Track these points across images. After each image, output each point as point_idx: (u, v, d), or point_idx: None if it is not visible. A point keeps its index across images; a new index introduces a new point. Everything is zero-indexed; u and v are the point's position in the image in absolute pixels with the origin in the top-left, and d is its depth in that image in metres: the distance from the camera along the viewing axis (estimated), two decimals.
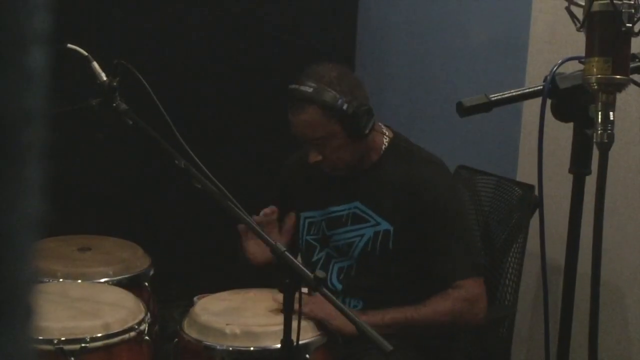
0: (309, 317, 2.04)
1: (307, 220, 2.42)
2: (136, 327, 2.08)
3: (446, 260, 2.20)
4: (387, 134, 2.33)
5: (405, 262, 2.25)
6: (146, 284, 2.52)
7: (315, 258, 2.39)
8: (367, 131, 2.18)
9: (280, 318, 1.78)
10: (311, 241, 2.41)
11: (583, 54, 1.56)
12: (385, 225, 2.25)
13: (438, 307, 2.15)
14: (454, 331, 2.31)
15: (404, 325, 2.12)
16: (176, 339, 2.09)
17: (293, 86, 2.18)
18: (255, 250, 2.33)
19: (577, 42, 1.65)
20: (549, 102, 1.77)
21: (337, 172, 2.28)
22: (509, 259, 2.48)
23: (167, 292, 2.80)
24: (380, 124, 2.33)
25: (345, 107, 2.13)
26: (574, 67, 1.74)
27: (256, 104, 3.52)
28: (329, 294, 1.71)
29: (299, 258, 2.90)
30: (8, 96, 0.42)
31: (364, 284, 2.28)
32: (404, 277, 2.25)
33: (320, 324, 2.08)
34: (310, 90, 2.14)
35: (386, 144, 2.31)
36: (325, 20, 3.64)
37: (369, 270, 2.28)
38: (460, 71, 3.19)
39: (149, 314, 2.17)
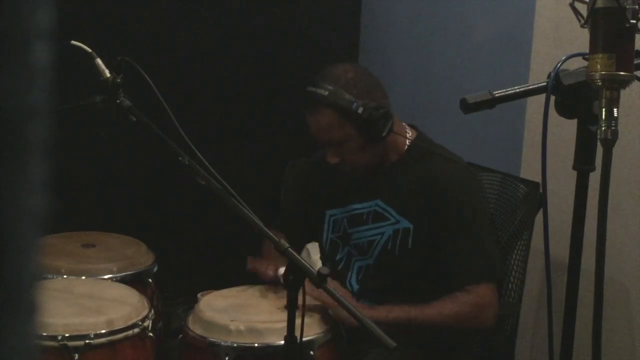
0: (317, 303, 2.04)
1: (331, 219, 2.41)
2: (140, 323, 2.09)
3: (459, 262, 2.17)
4: (409, 134, 2.31)
5: (423, 262, 2.22)
6: (150, 280, 2.52)
7: (338, 256, 2.38)
8: (384, 134, 2.15)
9: (284, 314, 1.78)
10: (335, 239, 2.40)
11: (587, 51, 1.56)
12: (405, 224, 2.23)
13: (444, 309, 2.12)
14: (460, 333, 2.29)
15: (408, 324, 2.10)
16: (181, 335, 2.10)
17: (310, 88, 2.16)
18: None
19: (581, 39, 1.64)
20: (552, 98, 1.77)
21: (356, 173, 2.27)
22: (514, 256, 2.47)
23: (170, 288, 2.80)
24: (403, 123, 2.31)
25: (360, 110, 2.10)
26: (577, 63, 1.74)
27: (259, 101, 3.52)
28: (332, 290, 1.71)
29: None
30: (12, 92, 0.42)
31: (380, 285, 2.26)
32: (421, 279, 2.23)
33: (325, 317, 2.08)
34: (326, 93, 2.12)
35: (408, 144, 2.29)
36: (328, 18, 3.64)
37: (387, 269, 2.27)
38: (464, 68, 3.18)
39: (152, 311, 2.18)
